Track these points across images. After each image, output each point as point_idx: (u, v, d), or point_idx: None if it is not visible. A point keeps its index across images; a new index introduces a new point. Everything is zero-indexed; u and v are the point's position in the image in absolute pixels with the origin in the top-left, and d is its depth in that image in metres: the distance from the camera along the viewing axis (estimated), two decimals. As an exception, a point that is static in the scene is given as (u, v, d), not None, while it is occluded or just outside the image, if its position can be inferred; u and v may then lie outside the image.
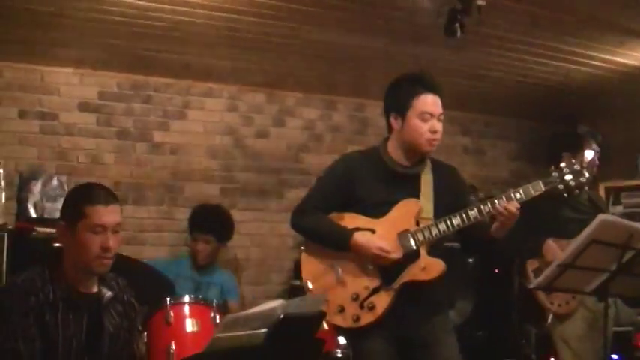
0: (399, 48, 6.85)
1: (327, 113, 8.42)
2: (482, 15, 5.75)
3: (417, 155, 4.32)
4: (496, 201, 4.09)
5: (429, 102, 4.22)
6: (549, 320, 5.59)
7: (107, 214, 3.62)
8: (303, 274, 4.39)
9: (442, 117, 4.26)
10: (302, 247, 4.48)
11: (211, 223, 6.83)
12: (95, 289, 3.76)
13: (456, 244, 4.52)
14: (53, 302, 3.54)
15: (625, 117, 9.21)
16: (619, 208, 8.39)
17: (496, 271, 8.14)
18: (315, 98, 8.36)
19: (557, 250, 5.39)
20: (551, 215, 5.50)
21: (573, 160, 4.16)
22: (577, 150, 5.68)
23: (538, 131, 9.35)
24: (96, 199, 3.63)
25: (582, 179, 4.10)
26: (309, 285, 4.33)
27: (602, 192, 8.60)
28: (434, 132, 4.21)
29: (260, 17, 6.11)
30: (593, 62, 7.48)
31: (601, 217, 3.92)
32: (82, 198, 3.67)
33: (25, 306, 3.46)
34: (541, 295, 5.57)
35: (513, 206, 4.03)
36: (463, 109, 9.04)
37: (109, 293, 3.79)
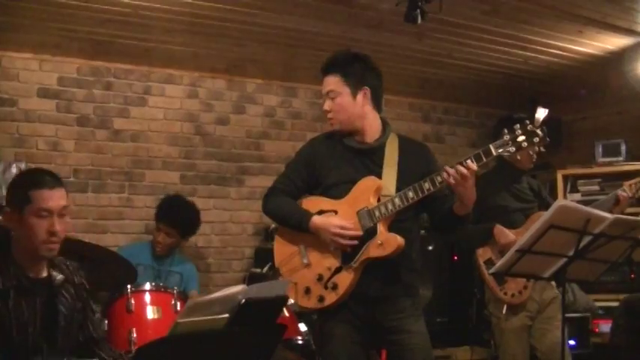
0: (359, 35, 6.85)
1: (287, 100, 8.41)
2: (443, 2, 5.78)
3: (353, 131, 4.39)
4: (445, 169, 4.01)
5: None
6: (504, 311, 5.61)
7: (52, 198, 3.63)
8: (275, 258, 4.49)
9: (333, 94, 4.35)
10: (276, 231, 4.56)
11: (179, 217, 6.77)
12: (45, 274, 3.76)
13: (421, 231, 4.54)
14: (4, 292, 3.54)
15: (584, 105, 9.30)
16: (576, 196, 8.46)
17: (455, 258, 8.20)
18: (275, 85, 8.34)
19: (508, 234, 5.44)
20: (496, 206, 5.54)
21: (527, 121, 4.06)
22: None
23: (497, 118, 9.42)
24: (41, 184, 3.64)
25: (536, 139, 3.96)
26: (280, 269, 4.43)
27: (559, 179, 8.68)
28: (326, 112, 4.38)
29: (220, 3, 6.10)
30: (553, 50, 7.54)
31: (559, 202, 3.95)
32: (27, 183, 3.67)
33: None
34: (493, 287, 5.60)
35: (461, 168, 3.94)
36: (423, 95, 9.08)
37: (60, 276, 3.79)
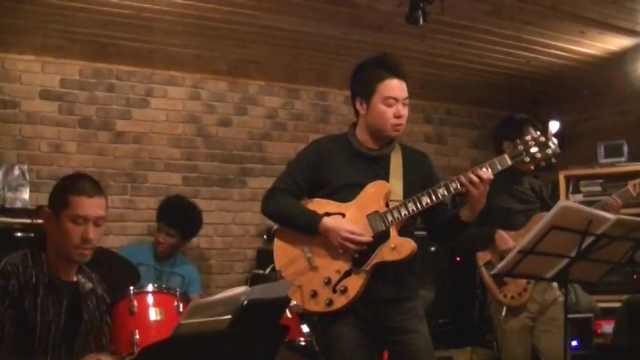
0: (361, 36, 6.85)
1: (289, 102, 8.42)
2: (445, 3, 5.77)
3: (383, 139, 4.33)
4: (462, 175, 4.06)
5: (394, 87, 4.22)
6: (503, 313, 5.58)
7: (90, 206, 3.68)
8: (276, 261, 4.40)
9: (407, 101, 4.26)
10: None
11: (179, 218, 6.73)
12: (74, 279, 3.82)
13: (420, 233, 4.52)
14: (34, 287, 3.60)
15: (586, 105, 9.30)
16: (579, 197, 8.45)
17: (458, 259, 8.19)
18: (277, 86, 8.35)
19: (509, 239, 5.41)
20: (497, 208, 5.51)
21: (538, 132, 4.14)
22: (515, 137, 5.67)
23: (499, 119, 9.41)
24: (81, 190, 3.69)
25: (549, 151, 4.07)
26: (282, 272, 4.33)
27: (561, 180, 8.67)
28: (398, 117, 4.22)
29: (222, 5, 6.10)
30: (555, 51, 7.53)
31: (561, 203, 3.94)
32: (68, 187, 3.72)
33: (4, 289, 3.52)
34: (493, 289, 5.59)
35: (483, 173, 4.00)
36: (425, 96, 9.07)
37: (88, 284, 3.87)
